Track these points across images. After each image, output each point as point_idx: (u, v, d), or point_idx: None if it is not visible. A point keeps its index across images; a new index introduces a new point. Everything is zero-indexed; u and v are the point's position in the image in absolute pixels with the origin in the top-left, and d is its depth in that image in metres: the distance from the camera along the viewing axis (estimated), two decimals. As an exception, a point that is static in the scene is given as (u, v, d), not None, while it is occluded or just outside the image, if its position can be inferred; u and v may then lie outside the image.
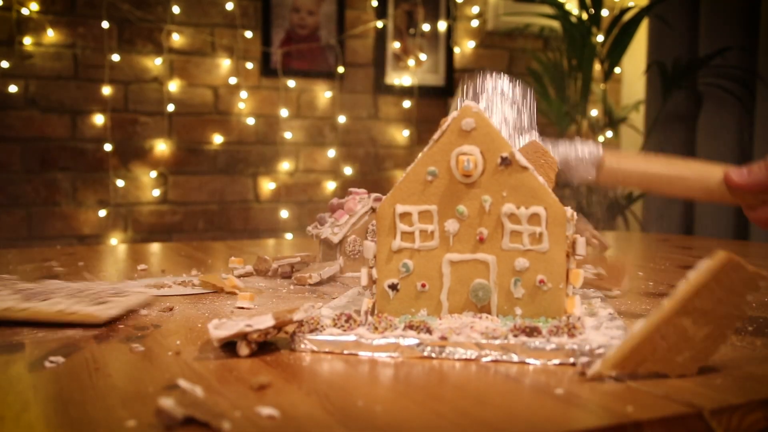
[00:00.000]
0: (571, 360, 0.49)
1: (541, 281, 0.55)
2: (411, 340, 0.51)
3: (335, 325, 0.54)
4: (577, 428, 0.38)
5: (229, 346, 0.54)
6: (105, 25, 2.41)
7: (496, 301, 0.56)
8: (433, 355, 0.51)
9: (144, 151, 2.50)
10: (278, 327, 0.54)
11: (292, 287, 0.83)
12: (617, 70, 3.12)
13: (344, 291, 0.80)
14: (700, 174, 0.61)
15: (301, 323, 0.54)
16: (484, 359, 0.51)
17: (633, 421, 0.39)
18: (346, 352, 0.52)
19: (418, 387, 0.45)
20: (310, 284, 0.84)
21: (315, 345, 0.53)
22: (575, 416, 0.40)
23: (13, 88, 2.33)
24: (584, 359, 0.48)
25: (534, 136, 0.65)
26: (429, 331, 0.52)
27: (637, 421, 0.39)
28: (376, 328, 0.53)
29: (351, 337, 0.52)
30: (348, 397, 0.43)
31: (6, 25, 2.32)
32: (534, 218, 0.55)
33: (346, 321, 0.54)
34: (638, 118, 3.02)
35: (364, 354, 0.52)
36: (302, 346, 0.53)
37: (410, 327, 0.53)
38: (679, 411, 0.41)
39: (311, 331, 0.54)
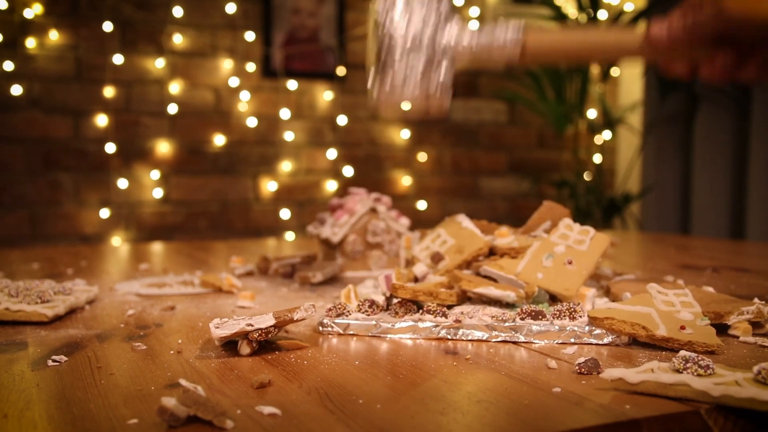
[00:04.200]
0: (572, 340, 0.55)
1: (570, 262, 0.64)
2: (428, 323, 0.57)
3: (360, 310, 0.60)
4: (576, 427, 0.38)
5: (230, 345, 0.54)
6: (107, 26, 2.41)
7: (524, 263, 0.64)
8: (449, 336, 0.56)
9: (146, 151, 2.50)
10: (279, 326, 0.54)
11: (293, 286, 0.83)
12: (615, 71, 3.13)
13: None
14: (621, 35, 0.60)
15: (330, 309, 0.59)
16: (494, 340, 0.56)
17: (631, 420, 0.39)
18: (370, 334, 0.57)
19: (420, 386, 0.45)
20: (313, 283, 0.84)
21: (340, 328, 0.58)
22: (573, 414, 0.40)
23: (16, 90, 2.33)
24: (582, 360, 0.48)
25: (456, 21, 0.65)
26: (444, 315, 0.58)
27: (635, 420, 0.39)
28: (396, 313, 0.59)
29: (372, 321, 0.58)
30: (349, 396, 0.43)
31: (9, 27, 2.32)
32: (584, 232, 0.68)
33: (370, 306, 0.60)
34: (636, 119, 3.02)
35: (385, 336, 0.57)
36: (329, 328, 0.58)
37: (428, 311, 0.58)
38: (677, 409, 0.41)
39: (338, 316, 0.59)
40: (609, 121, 2.85)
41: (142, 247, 1.35)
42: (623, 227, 2.80)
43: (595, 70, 2.93)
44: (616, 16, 2.64)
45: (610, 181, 3.18)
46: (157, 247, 1.36)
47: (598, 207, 2.78)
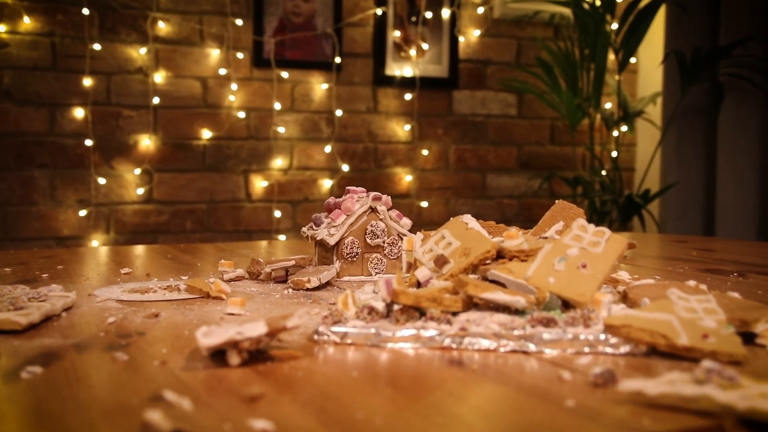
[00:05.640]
0: (587, 349, 0.55)
1: (584, 265, 0.64)
2: (431, 331, 0.57)
3: (358, 317, 0.60)
4: (591, 442, 0.38)
5: (218, 355, 0.54)
6: (86, 11, 2.41)
7: (535, 267, 0.64)
8: (453, 345, 0.57)
9: (127, 146, 2.50)
10: (271, 334, 0.54)
11: (286, 292, 0.83)
12: (633, 60, 3.13)
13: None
14: None
15: (326, 316, 0.59)
16: (502, 349, 0.56)
17: (650, 435, 0.39)
18: (369, 343, 0.57)
19: (422, 399, 0.45)
20: (308, 288, 0.84)
21: (337, 336, 0.58)
22: (588, 430, 0.40)
23: (-13, 80, 2.34)
24: (597, 370, 0.48)
25: None
26: (449, 322, 0.58)
27: (654, 435, 0.39)
28: (397, 320, 0.59)
29: (371, 329, 0.58)
30: (346, 409, 0.43)
31: (-20, 13, 2.32)
32: (598, 233, 0.68)
33: (369, 313, 0.59)
34: (655, 112, 3.03)
35: (385, 345, 0.57)
36: (325, 337, 0.58)
37: (431, 319, 0.58)
38: (699, 424, 0.41)
39: (335, 323, 0.59)
40: (626, 113, 2.85)
41: (124, 249, 1.35)
42: (642, 228, 2.80)
43: (611, 57, 2.93)
44: None
45: (627, 179, 3.18)
46: (139, 250, 1.36)
47: (614, 206, 2.79)
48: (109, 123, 2.48)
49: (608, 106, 3.05)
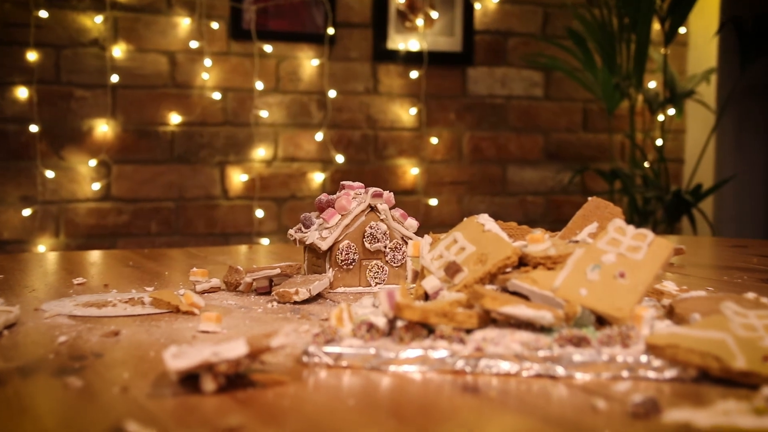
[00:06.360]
0: (625, 374, 0.55)
1: (622, 274, 0.64)
2: (441, 351, 0.57)
3: (355, 335, 0.60)
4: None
5: (190, 380, 0.54)
6: (31, -26, 2.42)
7: (564, 276, 0.64)
8: (467, 368, 0.57)
9: (80, 133, 2.51)
10: (253, 356, 0.54)
11: (269, 306, 0.84)
12: (682, 30, 3.13)
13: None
14: None
15: (318, 334, 0.59)
16: (525, 373, 0.56)
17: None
18: (367, 366, 0.57)
19: (430, 431, 0.45)
20: (296, 302, 0.84)
21: (331, 358, 0.58)
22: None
23: None
24: (638, 399, 0.48)
25: None
26: (462, 341, 0.58)
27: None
28: (401, 339, 0.59)
29: (371, 350, 0.58)
30: (340, 444, 0.43)
31: None
32: (639, 236, 0.68)
33: (368, 330, 0.60)
34: (709, 92, 3.03)
35: (386, 368, 0.57)
36: (317, 359, 0.58)
37: (441, 337, 0.58)
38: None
39: (327, 342, 0.59)
40: (674, 94, 2.85)
41: (76, 255, 1.35)
42: (692, 230, 2.80)
43: (656, 27, 2.93)
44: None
45: (675, 172, 3.18)
46: (95, 256, 1.36)
47: (659, 204, 2.79)
48: (59, 105, 2.48)
49: (652, 85, 3.05)
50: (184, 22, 2.58)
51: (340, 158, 2.76)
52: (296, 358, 0.61)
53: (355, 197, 0.95)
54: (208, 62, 2.60)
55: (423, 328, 0.60)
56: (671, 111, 2.92)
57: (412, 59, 2.82)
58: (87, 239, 2.52)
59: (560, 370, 0.56)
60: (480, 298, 0.61)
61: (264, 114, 2.68)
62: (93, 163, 2.51)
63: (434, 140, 2.88)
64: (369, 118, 2.81)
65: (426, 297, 0.70)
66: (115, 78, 2.51)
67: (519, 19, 2.96)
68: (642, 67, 2.75)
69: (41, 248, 2.46)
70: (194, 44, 2.59)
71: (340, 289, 0.94)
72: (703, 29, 3.12)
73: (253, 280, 0.91)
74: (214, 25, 2.61)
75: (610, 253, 0.67)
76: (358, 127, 2.80)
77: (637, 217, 2.75)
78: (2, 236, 2.45)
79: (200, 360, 0.52)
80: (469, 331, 0.61)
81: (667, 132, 2.97)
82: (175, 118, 2.59)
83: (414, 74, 2.83)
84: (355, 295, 0.91)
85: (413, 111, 2.85)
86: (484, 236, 0.74)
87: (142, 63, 2.55)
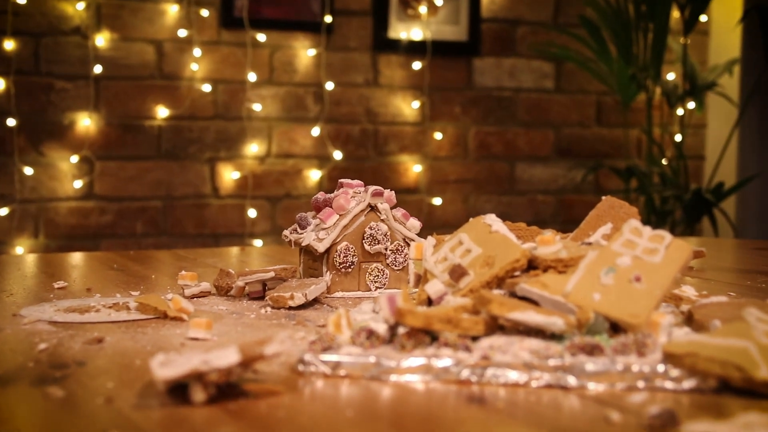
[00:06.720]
0: (641, 384, 0.55)
1: (637, 278, 0.64)
2: (446, 360, 0.57)
3: (354, 342, 0.60)
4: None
5: (178, 390, 0.54)
6: (9, -43, 2.42)
7: (576, 280, 0.65)
8: (473, 378, 0.57)
9: (61, 127, 2.51)
10: (245, 364, 0.54)
11: (263, 311, 0.84)
12: (703, 18, 3.12)
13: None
14: None
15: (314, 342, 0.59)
16: (534, 383, 0.56)
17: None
18: (367, 375, 0.58)
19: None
20: (291, 307, 0.84)
21: (328, 367, 0.58)
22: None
23: None
24: (654, 411, 0.49)
25: None
26: (468, 349, 0.58)
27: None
28: (403, 347, 0.59)
29: (371, 358, 0.58)
30: (338, 458, 0.43)
31: None
32: (656, 238, 0.68)
33: (368, 337, 0.60)
34: (732, 84, 3.02)
35: (387, 378, 0.57)
36: (313, 368, 0.58)
37: (445, 344, 0.58)
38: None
39: (325, 350, 0.59)
40: (694, 86, 2.85)
41: (57, 258, 1.35)
42: (713, 231, 2.80)
43: (675, 15, 2.93)
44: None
45: (695, 169, 3.18)
46: (77, 259, 1.36)
47: (678, 204, 2.79)
48: (38, 98, 2.48)
49: (671, 77, 3.05)
50: (171, 9, 2.58)
51: (338, 154, 2.76)
52: (291, 367, 0.61)
53: (354, 196, 0.95)
54: (197, 52, 2.61)
55: (426, 336, 0.60)
56: (691, 104, 2.92)
57: (415, 49, 2.82)
58: (68, 240, 2.52)
59: (572, 380, 0.56)
60: (487, 304, 0.62)
61: (257, 107, 2.68)
62: (75, 159, 2.51)
63: (438, 135, 2.88)
64: (369, 111, 2.81)
65: (429, 302, 0.70)
66: (98, 68, 2.51)
67: (528, 7, 2.96)
68: (660, 58, 2.75)
69: (19, 250, 2.46)
70: (183, 33, 2.59)
71: (338, 294, 0.94)
72: (725, 17, 3.12)
73: (246, 284, 0.91)
74: (204, 13, 2.61)
75: (625, 256, 0.67)
76: (357, 122, 2.80)
77: (654, 217, 2.75)
78: (-22, 237, 2.45)
79: (189, 369, 0.52)
80: (475, 339, 0.61)
81: (686, 127, 2.96)
82: (162, 112, 2.59)
83: (417, 65, 2.83)
84: (354, 300, 0.91)
85: (416, 104, 2.85)
86: (491, 238, 0.74)
87: (127, 52, 2.55)
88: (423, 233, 0.95)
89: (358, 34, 2.78)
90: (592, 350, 0.57)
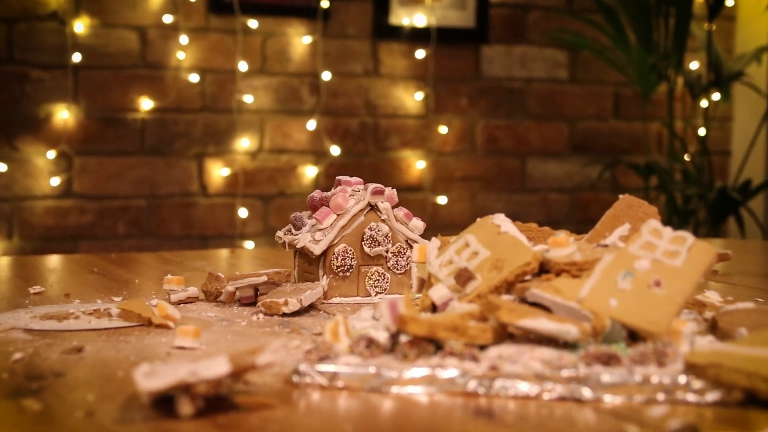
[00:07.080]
0: (661, 396, 0.55)
1: (657, 283, 0.65)
2: (451, 371, 0.57)
3: (352, 351, 0.60)
4: None
5: (164, 402, 0.55)
6: (-18, -63, 2.42)
7: (591, 285, 0.65)
8: (481, 390, 0.57)
9: (37, 120, 2.51)
10: (236, 375, 0.54)
11: (255, 318, 0.84)
12: (729, 2, 3.12)
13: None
14: None
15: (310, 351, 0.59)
16: (546, 396, 0.56)
17: None
18: (367, 387, 0.58)
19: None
20: (285, 314, 0.84)
21: (325, 378, 0.58)
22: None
23: None
24: (675, 425, 0.49)
25: None
26: (475, 359, 0.58)
27: None
28: (405, 356, 0.59)
29: (371, 368, 0.58)
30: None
31: None
32: (678, 240, 0.69)
33: (367, 346, 0.60)
34: (760, 74, 3.02)
35: (388, 390, 0.57)
36: (309, 379, 0.58)
37: (450, 354, 0.58)
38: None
39: (321, 360, 0.59)
40: (720, 76, 2.85)
41: (32, 261, 1.35)
42: (740, 233, 2.80)
43: (699, 0, 2.93)
44: None
45: (721, 166, 3.18)
46: (54, 262, 1.36)
47: (702, 203, 2.78)
48: (11, 88, 2.48)
49: (694, 66, 3.05)
50: (156, -6, 2.58)
51: (335, 150, 2.76)
52: (285, 378, 0.61)
53: (352, 194, 0.96)
54: (184, 39, 2.61)
55: (430, 344, 0.60)
56: (716, 96, 2.92)
57: (418, 36, 2.82)
58: (45, 242, 2.52)
59: (587, 393, 0.56)
60: (495, 310, 0.62)
61: (248, 99, 2.68)
62: (51, 154, 2.51)
63: (443, 129, 2.88)
64: (368, 103, 2.81)
65: (433, 308, 0.70)
66: (77, 57, 2.51)
67: (541, -10, 2.96)
68: (683, 45, 2.75)
69: (-8, 252, 2.47)
70: (168, 18, 2.59)
71: (336, 300, 0.94)
72: (753, 1, 3.12)
73: (236, 289, 0.92)
74: (191, -3, 2.61)
75: (644, 259, 0.67)
76: (356, 115, 2.80)
77: (675, 217, 2.75)
78: (-52, 238, 2.46)
79: (176, 380, 0.52)
80: (482, 348, 0.61)
81: (711, 120, 2.96)
82: (146, 104, 2.59)
83: (420, 53, 2.83)
84: (353, 307, 0.91)
85: (419, 96, 2.85)
86: (499, 239, 0.74)
87: (107, 40, 2.55)
88: (427, 234, 0.95)
89: (357, 20, 2.78)
90: (609, 360, 0.57)
